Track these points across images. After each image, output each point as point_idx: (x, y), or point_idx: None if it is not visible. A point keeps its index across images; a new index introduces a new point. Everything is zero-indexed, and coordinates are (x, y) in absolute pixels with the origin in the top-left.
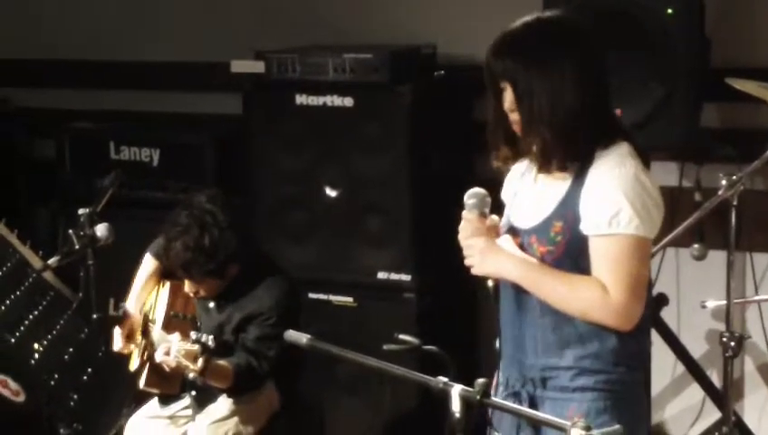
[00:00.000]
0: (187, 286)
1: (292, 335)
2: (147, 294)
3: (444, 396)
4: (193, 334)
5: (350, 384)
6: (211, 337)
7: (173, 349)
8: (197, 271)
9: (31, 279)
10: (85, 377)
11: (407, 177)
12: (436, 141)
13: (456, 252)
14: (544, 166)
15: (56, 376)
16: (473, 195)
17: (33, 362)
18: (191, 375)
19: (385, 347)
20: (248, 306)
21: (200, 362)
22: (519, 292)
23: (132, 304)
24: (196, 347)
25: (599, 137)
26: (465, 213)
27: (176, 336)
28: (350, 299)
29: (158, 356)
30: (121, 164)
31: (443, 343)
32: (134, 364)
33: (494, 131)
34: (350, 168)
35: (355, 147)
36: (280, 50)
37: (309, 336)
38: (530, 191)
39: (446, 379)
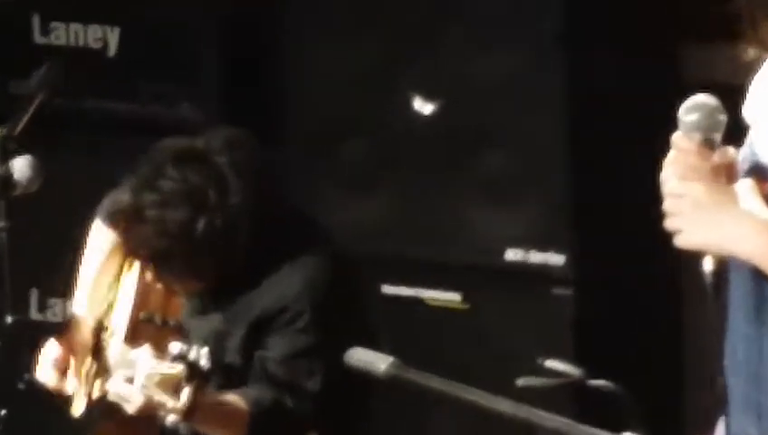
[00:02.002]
0: (151, 276)
1: (360, 357)
2: (103, 284)
3: None
4: (174, 347)
5: None
6: (205, 350)
7: (139, 373)
8: (171, 268)
9: None
10: None
11: (558, 80)
12: (613, 18)
13: (650, 215)
14: None
15: None
16: (695, 107)
17: None
18: (170, 420)
19: (521, 382)
20: (261, 300)
21: (185, 394)
22: (762, 282)
23: (81, 301)
24: (179, 369)
25: None
26: (677, 137)
27: (144, 352)
28: (455, 296)
29: (115, 388)
30: (54, 52)
31: (620, 372)
32: (78, 407)
33: None
34: (457, 64)
35: (465, 27)
36: None
37: (392, 359)
38: None
39: None
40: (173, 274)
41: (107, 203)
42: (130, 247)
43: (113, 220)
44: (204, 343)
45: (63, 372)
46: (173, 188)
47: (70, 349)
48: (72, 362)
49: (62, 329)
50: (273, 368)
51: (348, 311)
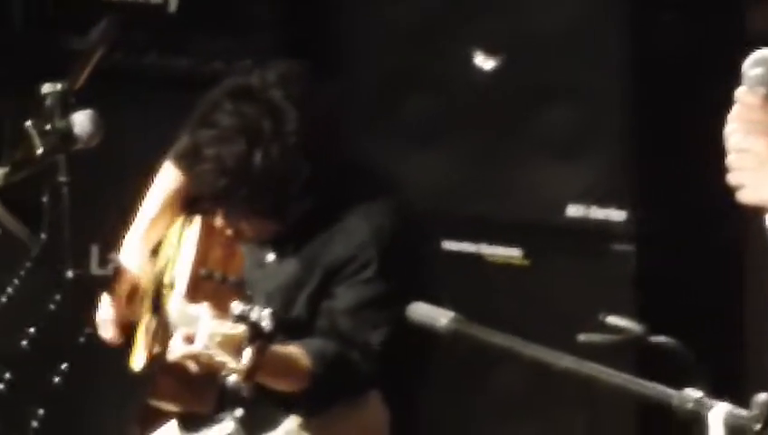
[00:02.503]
0: (220, 220)
1: (422, 311)
2: (161, 236)
3: (693, 420)
4: (235, 307)
5: (514, 400)
6: (268, 311)
7: (200, 333)
8: (237, 209)
9: None
10: (57, 378)
11: (621, 35)
12: None
13: (713, 170)
14: None
15: (8, 376)
16: (760, 61)
17: None
18: (232, 379)
19: (581, 338)
20: (333, 245)
21: (248, 354)
22: None
23: (136, 253)
24: (241, 329)
25: None
26: (741, 92)
27: (204, 310)
28: (516, 253)
29: (176, 347)
30: (114, 8)
31: (682, 329)
32: (138, 361)
33: None
34: (519, 19)
35: None
36: None
37: (453, 314)
38: None
39: (698, 393)
40: (240, 215)
41: (175, 149)
42: (193, 187)
43: (177, 163)
44: (268, 298)
45: (125, 327)
46: (228, 123)
47: (124, 302)
48: (130, 314)
49: (113, 281)
50: (339, 320)
51: (411, 263)
